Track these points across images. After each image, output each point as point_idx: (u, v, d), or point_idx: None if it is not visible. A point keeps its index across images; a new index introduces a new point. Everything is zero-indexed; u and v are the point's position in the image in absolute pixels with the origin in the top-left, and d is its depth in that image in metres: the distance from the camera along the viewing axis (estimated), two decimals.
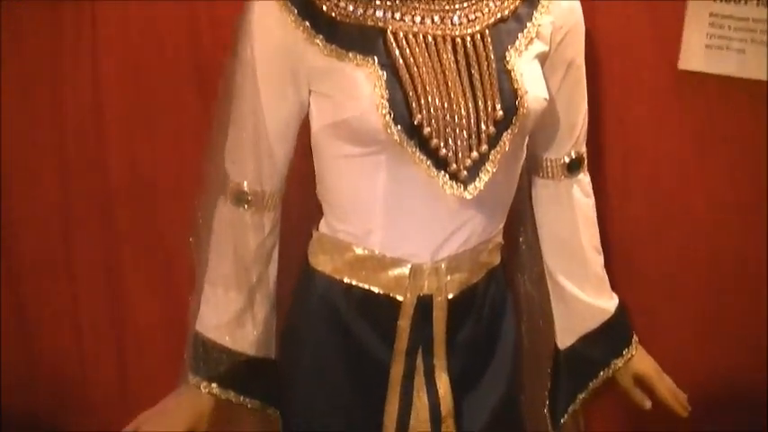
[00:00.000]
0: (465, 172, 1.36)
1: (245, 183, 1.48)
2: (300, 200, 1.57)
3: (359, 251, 1.46)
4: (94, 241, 1.95)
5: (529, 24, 1.43)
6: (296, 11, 1.37)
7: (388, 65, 1.35)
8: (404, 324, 1.47)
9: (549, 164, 1.58)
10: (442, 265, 1.45)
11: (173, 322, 1.80)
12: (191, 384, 1.53)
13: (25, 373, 2.06)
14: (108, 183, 1.92)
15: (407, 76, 1.34)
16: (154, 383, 1.64)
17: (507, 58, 1.38)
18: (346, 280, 1.47)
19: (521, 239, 1.66)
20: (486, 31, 1.39)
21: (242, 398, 1.55)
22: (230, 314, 1.52)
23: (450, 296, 1.47)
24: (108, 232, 1.94)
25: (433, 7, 1.38)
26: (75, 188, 1.94)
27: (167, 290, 1.91)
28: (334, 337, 1.49)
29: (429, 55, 1.36)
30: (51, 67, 1.83)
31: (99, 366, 2.02)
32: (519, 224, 1.64)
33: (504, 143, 1.37)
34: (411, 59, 1.35)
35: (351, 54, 1.36)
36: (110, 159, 1.89)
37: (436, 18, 1.38)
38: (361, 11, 1.37)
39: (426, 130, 1.34)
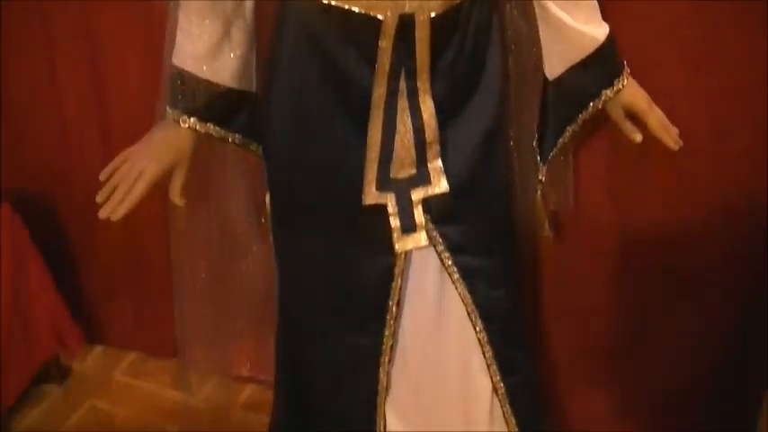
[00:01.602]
0: None
1: None
2: None
3: None
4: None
5: None
6: None
7: None
8: (385, 44, 1.41)
9: None
10: None
11: (152, 79, 1.75)
12: (169, 119, 1.50)
13: (12, 149, 2.05)
14: None
15: None
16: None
17: None
18: (325, 0, 1.41)
19: None
20: None
21: (222, 131, 1.52)
22: (206, 44, 1.47)
23: (433, 15, 1.41)
24: None
25: None
26: None
27: (146, 47, 1.87)
28: (313, 61, 1.44)
29: None
30: None
31: (82, 133, 2.01)
32: None
33: None
34: None
35: None
36: None
37: None
38: None
39: None
